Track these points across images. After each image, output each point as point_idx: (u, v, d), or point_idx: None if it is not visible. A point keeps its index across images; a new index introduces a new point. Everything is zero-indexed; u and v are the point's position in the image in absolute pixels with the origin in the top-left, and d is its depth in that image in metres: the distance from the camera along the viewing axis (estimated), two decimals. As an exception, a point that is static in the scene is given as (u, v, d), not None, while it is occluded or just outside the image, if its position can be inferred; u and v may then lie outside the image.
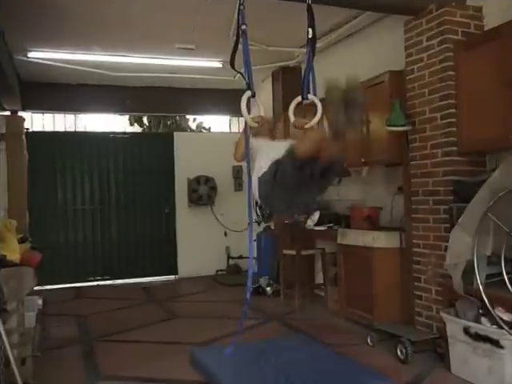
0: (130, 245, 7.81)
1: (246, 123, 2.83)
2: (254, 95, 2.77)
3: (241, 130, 2.98)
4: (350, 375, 3.32)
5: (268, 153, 2.79)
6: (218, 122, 9.25)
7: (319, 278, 6.03)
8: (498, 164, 3.42)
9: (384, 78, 4.48)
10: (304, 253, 5.70)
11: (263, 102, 3.05)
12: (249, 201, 2.85)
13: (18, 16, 4.72)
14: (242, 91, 2.74)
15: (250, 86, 2.77)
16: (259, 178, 2.71)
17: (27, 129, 6.63)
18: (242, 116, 2.87)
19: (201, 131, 10.24)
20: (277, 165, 2.56)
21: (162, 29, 5.29)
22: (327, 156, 2.38)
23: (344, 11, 4.77)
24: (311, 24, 2.92)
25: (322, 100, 2.85)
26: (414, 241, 4.13)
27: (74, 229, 7.56)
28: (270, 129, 3.21)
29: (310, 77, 2.92)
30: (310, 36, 2.93)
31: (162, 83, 7.52)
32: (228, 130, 8.74)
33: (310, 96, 2.95)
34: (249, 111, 2.89)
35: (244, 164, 2.87)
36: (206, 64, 6.53)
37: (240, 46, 2.83)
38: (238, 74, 2.87)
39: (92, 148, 7.67)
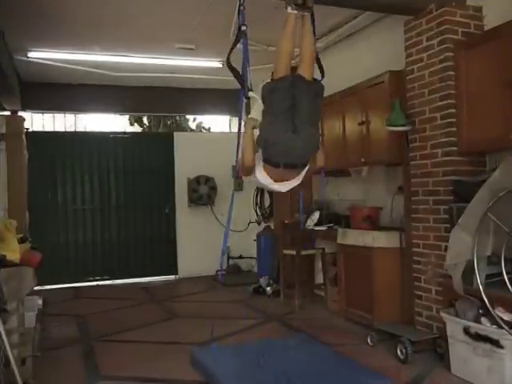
0: (130, 245, 7.81)
1: (239, 125, 2.86)
2: (247, 97, 2.80)
3: (241, 130, 2.96)
4: (350, 375, 3.32)
5: None
6: (217, 122, 9.24)
7: (319, 278, 6.03)
8: (498, 164, 3.42)
9: (384, 78, 4.48)
10: (304, 253, 5.70)
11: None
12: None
13: (18, 16, 4.72)
14: (240, 90, 2.74)
15: (244, 86, 2.80)
16: (260, 129, 2.71)
17: (27, 129, 6.62)
18: (237, 117, 2.86)
19: (201, 131, 10.23)
20: (263, 90, 2.72)
21: (162, 29, 5.29)
22: (303, 70, 2.66)
23: (344, 11, 4.77)
24: (311, 24, 2.92)
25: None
26: (414, 241, 4.13)
27: (74, 229, 7.56)
28: None
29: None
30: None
31: (162, 83, 7.52)
32: (228, 130, 8.74)
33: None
34: (248, 112, 2.89)
35: (250, 179, 2.85)
36: (205, 64, 6.53)
37: (240, 46, 2.84)
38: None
39: (92, 148, 7.67)
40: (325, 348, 4.02)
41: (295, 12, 2.71)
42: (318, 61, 2.90)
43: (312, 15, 2.98)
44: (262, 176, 2.71)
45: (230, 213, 2.97)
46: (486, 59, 3.52)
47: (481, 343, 3.12)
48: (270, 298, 6.13)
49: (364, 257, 4.52)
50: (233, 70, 2.91)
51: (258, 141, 2.65)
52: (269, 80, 2.75)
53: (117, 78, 6.89)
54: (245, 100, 2.87)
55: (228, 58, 2.89)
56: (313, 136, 2.67)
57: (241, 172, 2.89)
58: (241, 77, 2.86)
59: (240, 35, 2.86)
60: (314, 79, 2.73)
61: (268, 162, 2.62)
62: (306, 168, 2.72)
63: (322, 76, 2.89)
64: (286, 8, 2.73)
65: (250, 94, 2.81)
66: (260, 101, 2.76)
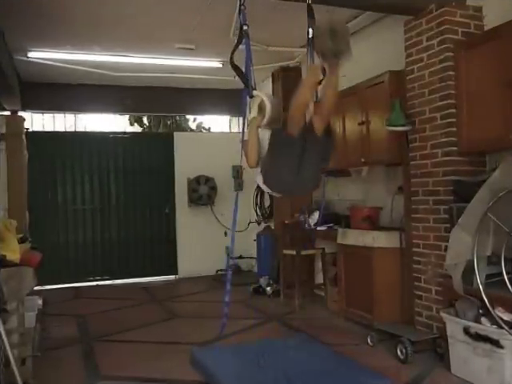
0: (130, 245, 7.81)
1: (244, 120, 2.87)
2: (251, 96, 2.80)
3: (241, 131, 2.98)
4: (349, 375, 3.32)
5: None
6: (217, 122, 9.24)
7: (319, 278, 6.03)
8: (498, 164, 3.42)
9: (384, 78, 4.48)
10: (304, 253, 5.70)
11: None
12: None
13: (18, 16, 4.72)
14: (243, 91, 2.74)
15: (249, 84, 2.79)
16: (261, 160, 2.73)
17: (27, 129, 6.62)
18: (241, 116, 2.87)
19: (201, 131, 10.23)
20: (272, 136, 2.63)
21: (162, 29, 5.29)
22: (317, 121, 2.52)
23: (344, 11, 4.77)
24: (311, 24, 2.92)
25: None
26: (414, 241, 4.13)
27: (74, 229, 7.56)
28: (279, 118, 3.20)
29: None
30: (310, 36, 2.93)
31: (162, 83, 7.52)
32: (228, 130, 8.74)
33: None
34: (249, 110, 2.90)
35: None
36: (205, 64, 6.53)
37: (241, 46, 2.84)
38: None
39: (92, 148, 7.67)
40: (325, 348, 4.02)
41: (321, 65, 2.49)
42: (311, 16, 2.89)
43: (312, 15, 2.98)
44: (263, 185, 2.76)
45: (235, 215, 3.00)
46: (486, 59, 3.52)
47: (481, 343, 3.12)
48: (270, 297, 6.13)
49: (364, 257, 4.52)
50: (236, 69, 2.91)
51: (260, 166, 2.70)
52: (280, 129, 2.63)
53: (117, 78, 6.89)
54: (249, 99, 2.86)
55: (231, 58, 2.89)
56: (314, 178, 2.70)
57: (245, 163, 2.94)
58: (244, 76, 2.86)
59: (242, 35, 2.86)
60: (327, 131, 2.57)
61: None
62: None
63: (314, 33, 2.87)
64: (317, 57, 2.48)
65: (254, 92, 2.80)
66: (267, 102, 2.76)
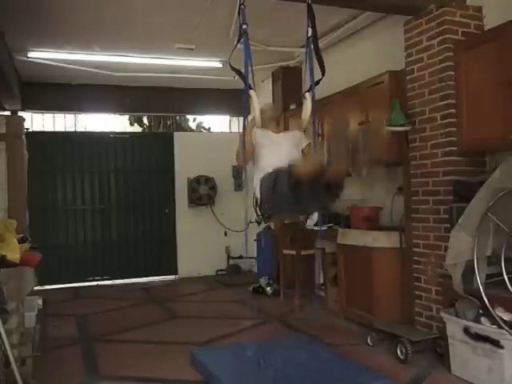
0: (130, 245, 7.81)
1: (245, 121, 2.87)
2: (250, 96, 2.81)
3: (241, 130, 3.00)
4: (349, 375, 3.32)
5: (271, 152, 2.82)
6: (218, 122, 9.24)
7: (319, 278, 6.03)
8: (497, 164, 3.42)
9: (384, 78, 4.47)
10: (304, 253, 5.70)
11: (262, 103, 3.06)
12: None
13: (18, 16, 4.73)
14: (243, 91, 2.75)
15: (249, 84, 2.80)
16: (261, 180, 2.73)
17: (27, 129, 6.62)
18: (241, 116, 2.89)
19: (201, 131, 10.23)
20: (275, 177, 2.60)
21: (162, 29, 5.29)
22: (326, 178, 2.48)
23: (344, 11, 4.77)
24: (311, 24, 2.93)
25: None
26: (414, 241, 4.13)
27: (74, 229, 7.55)
28: (275, 118, 3.23)
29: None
30: (309, 35, 2.94)
31: (162, 83, 7.52)
32: (228, 130, 8.74)
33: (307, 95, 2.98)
34: (248, 110, 2.91)
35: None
36: (205, 64, 6.53)
37: (241, 46, 2.84)
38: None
39: (92, 148, 7.67)
40: (325, 348, 4.03)
41: None
42: (319, 59, 2.89)
43: (312, 15, 2.98)
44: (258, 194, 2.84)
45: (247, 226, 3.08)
46: (485, 59, 3.52)
47: (481, 343, 3.12)
48: (270, 297, 6.13)
49: (364, 257, 4.52)
50: (235, 70, 2.93)
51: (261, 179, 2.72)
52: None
53: (117, 78, 6.89)
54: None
55: (230, 58, 2.92)
56: (314, 206, 2.73)
57: (240, 160, 2.96)
58: (243, 76, 2.87)
59: (241, 34, 2.86)
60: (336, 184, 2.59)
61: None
62: None
63: (323, 74, 2.90)
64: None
65: (251, 92, 2.81)
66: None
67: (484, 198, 3.20)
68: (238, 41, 2.91)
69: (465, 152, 3.77)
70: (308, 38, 2.99)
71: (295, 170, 2.47)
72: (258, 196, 2.81)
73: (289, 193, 2.51)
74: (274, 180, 2.60)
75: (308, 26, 3.02)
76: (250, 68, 2.88)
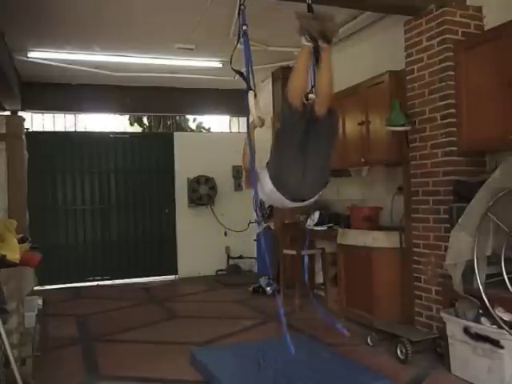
0: (130, 245, 7.81)
1: (248, 122, 2.85)
2: (255, 95, 2.79)
3: (241, 130, 2.99)
4: (349, 375, 3.32)
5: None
6: (217, 122, 9.24)
7: (319, 278, 6.03)
8: (497, 164, 3.42)
9: (384, 78, 4.48)
10: (304, 253, 5.69)
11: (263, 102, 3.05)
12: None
13: (18, 16, 4.73)
14: (244, 91, 2.74)
15: (249, 86, 2.79)
16: (267, 164, 2.69)
17: (27, 129, 6.62)
18: (241, 116, 2.88)
19: (201, 131, 10.23)
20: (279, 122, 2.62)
21: (162, 29, 5.29)
22: (317, 105, 2.49)
23: (344, 11, 4.77)
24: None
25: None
26: (414, 241, 4.13)
27: (74, 229, 7.56)
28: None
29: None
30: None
31: (162, 83, 7.53)
32: (228, 130, 8.74)
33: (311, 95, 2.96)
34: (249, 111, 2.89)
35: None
36: (205, 64, 6.53)
37: (241, 46, 2.84)
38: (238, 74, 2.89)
39: (92, 148, 7.67)
40: (325, 348, 4.03)
41: (310, 44, 2.42)
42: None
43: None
44: (269, 196, 2.72)
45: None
46: (486, 59, 3.52)
47: (481, 343, 3.12)
48: (270, 298, 6.13)
49: (364, 257, 4.52)
50: (236, 71, 2.93)
51: (267, 166, 2.66)
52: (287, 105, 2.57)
53: (117, 78, 6.89)
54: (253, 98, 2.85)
55: (231, 61, 2.93)
56: (323, 171, 2.63)
57: (246, 183, 2.89)
58: (244, 76, 2.86)
59: (241, 35, 2.86)
60: (329, 112, 2.52)
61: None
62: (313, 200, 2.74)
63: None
64: (300, 38, 2.45)
65: (249, 94, 2.79)
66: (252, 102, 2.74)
67: (484, 198, 3.20)
68: (238, 41, 2.91)
69: (465, 152, 3.77)
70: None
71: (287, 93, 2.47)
72: (265, 195, 2.76)
73: (292, 126, 2.49)
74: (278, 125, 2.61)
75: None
76: (250, 69, 2.87)
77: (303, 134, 2.49)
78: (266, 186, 2.66)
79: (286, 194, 2.59)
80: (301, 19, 2.38)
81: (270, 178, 2.61)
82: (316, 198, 2.70)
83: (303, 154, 2.50)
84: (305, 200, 2.66)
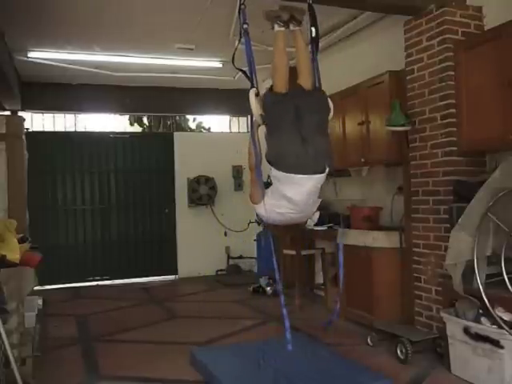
0: (130, 245, 7.81)
1: (251, 121, 2.85)
2: (257, 94, 2.79)
3: (241, 130, 2.99)
4: (349, 375, 3.32)
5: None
6: (217, 122, 9.24)
7: (319, 278, 6.03)
8: (497, 164, 3.42)
9: (384, 78, 4.48)
10: (304, 253, 5.70)
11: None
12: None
13: (18, 16, 4.73)
14: (248, 91, 2.75)
15: (253, 83, 2.80)
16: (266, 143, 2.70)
17: (27, 129, 6.62)
18: (241, 116, 2.88)
19: (201, 131, 10.23)
20: (264, 103, 2.71)
21: (162, 29, 5.29)
22: (302, 80, 2.72)
23: (344, 11, 4.77)
24: (313, 23, 2.93)
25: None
26: (414, 241, 4.13)
27: (74, 229, 7.56)
28: None
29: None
30: (313, 35, 2.94)
31: (162, 83, 7.52)
32: (228, 130, 8.74)
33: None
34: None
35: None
36: (205, 64, 6.53)
37: (242, 46, 2.85)
38: (238, 74, 2.90)
39: (92, 148, 7.68)
40: (325, 348, 4.03)
41: (283, 29, 2.80)
42: (312, 16, 2.92)
43: (313, 14, 2.98)
44: (268, 213, 2.76)
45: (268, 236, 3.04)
46: (486, 59, 3.52)
47: (481, 343, 3.12)
48: (270, 297, 6.13)
49: (364, 257, 4.52)
50: (240, 70, 2.95)
51: (267, 157, 2.64)
52: (269, 90, 2.75)
53: (117, 78, 6.89)
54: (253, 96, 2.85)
55: (233, 59, 2.96)
56: (322, 144, 2.62)
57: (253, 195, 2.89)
58: (247, 75, 2.88)
59: (242, 34, 2.88)
60: (315, 87, 2.76)
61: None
62: (324, 176, 2.67)
63: (317, 32, 2.94)
64: (273, 27, 2.83)
65: (250, 92, 2.80)
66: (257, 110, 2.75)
67: (484, 198, 3.20)
68: (239, 40, 2.92)
69: (465, 152, 3.77)
70: (311, 37, 2.99)
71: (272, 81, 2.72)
72: (263, 210, 2.77)
73: (282, 107, 2.61)
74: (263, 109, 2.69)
75: (311, 26, 3.01)
76: (253, 67, 2.88)
77: (294, 112, 2.58)
78: (275, 194, 2.65)
79: (290, 169, 2.52)
80: (269, 13, 2.80)
81: (271, 163, 2.59)
82: (326, 173, 2.61)
83: (298, 129, 2.57)
84: (314, 174, 2.56)
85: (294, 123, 2.56)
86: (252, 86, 2.80)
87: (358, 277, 4.66)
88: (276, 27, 2.81)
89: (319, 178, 2.60)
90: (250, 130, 2.88)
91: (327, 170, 2.62)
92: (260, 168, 2.73)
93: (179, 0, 4.59)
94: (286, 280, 5.81)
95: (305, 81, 2.73)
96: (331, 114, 2.80)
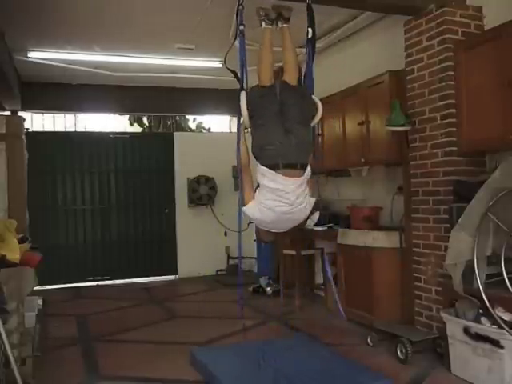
0: (130, 245, 7.81)
1: (239, 123, 2.89)
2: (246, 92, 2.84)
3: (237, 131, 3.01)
4: (349, 375, 3.32)
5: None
6: (217, 122, 9.24)
7: (319, 278, 6.03)
8: (497, 164, 3.42)
9: (384, 78, 4.48)
10: (304, 253, 5.70)
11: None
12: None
13: (18, 16, 4.72)
14: (238, 91, 2.77)
15: (242, 86, 2.84)
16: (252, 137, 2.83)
17: (27, 129, 6.62)
18: (241, 116, 2.88)
19: (201, 131, 10.23)
20: (248, 96, 2.84)
21: (162, 29, 5.29)
22: (287, 76, 2.84)
23: (344, 11, 4.77)
24: (311, 24, 2.95)
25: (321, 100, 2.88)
26: (414, 241, 4.13)
27: (74, 229, 7.56)
28: None
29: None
30: (309, 36, 2.96)
31: (162, 83, 7.52)
32: (228, 130, 8.74)
33: (313, 97, 2.98)
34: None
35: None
36: (205, 64, 6.53)
37: (237, 46, 2.87)
38: (238, 74, 2.91)
39: (92, 148, 7.67)
40: (325, 348, 4.03)
41: (270, 27, 2.92)
42: (310, 16, 3.01)
43: (311, 15, 2.99)
44: (258, 216, 2.88)
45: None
46: (486, 59, 3.52)
47: (481, 343, 3.12)
48: (270, 297, 6.13)
49: (364, 257, 4.52)
50: (231, 70, 2.98)
51: (252, 150, 2.73)
52: (255, 86, 2.86)
53: (117, 78, 6.89)
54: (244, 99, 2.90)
55: (224, 60, 3.00)
56: (305, 136, 2.74)
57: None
58: (238, 76, 2.92)
59: (237, 35, 2.90)
60: (299, 84, 2.89)
61: (267, 166, 2.65)
62: (308, 170, 2.74)
63: (313, 33, 3.01)
64: (261, 24, 2.92)
65: (241, 94, 2.84)
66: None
67: (484, 198, 3.20)
68: (234, 41, 2.94)
69: (465, 152, 3.77)
70: (308, 38, 3.01)
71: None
72: (254, 213, 2.84)
73: (267, 99, 2.75)
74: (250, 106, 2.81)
75: (308, 27, 3.02)
76: (244, 69, 2.91)
77: (278, 104, 2.69)
78: (261, 194, 2.76)
79: (273, 159, 2.63)
80: (259, 10, 2.94)
81: (256, 157, 2.70)
82: (308, 168, 2.74)
83: (281, 121, 2.67)
84: (295, 165, 2.67)
85: (277, 115, 2.67)
86: (242, 88, 2.84)
87: (358, 277, 4.66)
88: (263, 24, 2.92)
89: (300, 180, 2.72)
90: (237, 131, 2.94)
91: (308, 170, 2.73)
92: (240, 168, 2.90)
93: (179, 0, 4.58)
94: (286, 280, 5.82)
95: (290, 76, 2.83)
96: (320, 114, 2.89)
